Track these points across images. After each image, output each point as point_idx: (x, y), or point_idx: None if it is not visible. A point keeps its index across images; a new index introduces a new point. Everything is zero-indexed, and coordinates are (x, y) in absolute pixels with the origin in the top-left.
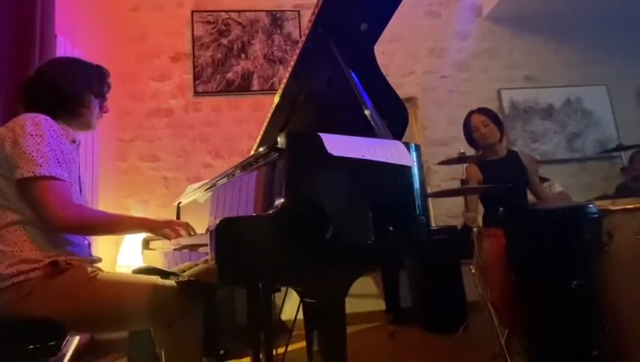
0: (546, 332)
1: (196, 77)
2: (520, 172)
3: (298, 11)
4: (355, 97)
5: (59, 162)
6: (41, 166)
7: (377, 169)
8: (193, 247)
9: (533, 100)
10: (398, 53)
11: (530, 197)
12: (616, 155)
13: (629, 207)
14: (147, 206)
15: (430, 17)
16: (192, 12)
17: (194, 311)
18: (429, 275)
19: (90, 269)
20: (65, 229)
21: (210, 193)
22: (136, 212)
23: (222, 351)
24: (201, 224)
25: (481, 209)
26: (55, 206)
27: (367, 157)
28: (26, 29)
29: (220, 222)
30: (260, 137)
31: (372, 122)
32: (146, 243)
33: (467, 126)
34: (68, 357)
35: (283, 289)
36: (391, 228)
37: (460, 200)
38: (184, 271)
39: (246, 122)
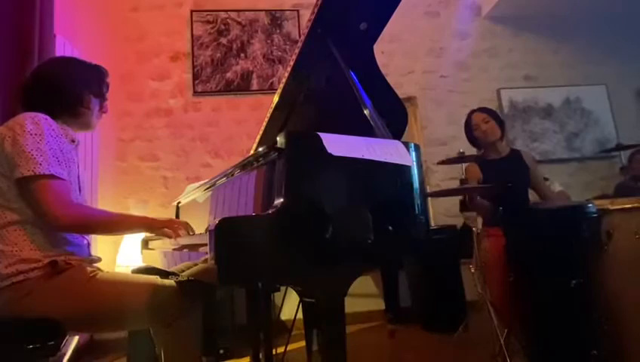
0: (545, 331)
1: (195, 77)
2: (522, 171)
3: (297, 11)
4: (354, 97)
5: (58, 161)
6: (40, 164)
7: (377, 168)
8: (193, 247)
9: (533, 100)
10: (398, 52)
11: (532, 197)
12: (615, 155)
13: (627, 206)
14: (147, 205)
15: (429, 17)
16: (192, 11)
17: (193, 311)
18: (429, 275)
19: (89, 269)
20: (64, 228)
21: (210, 193)
22: (136, 211)
23: (221, 351)
24: (201, 224)
25: None
26: (54, 205)
27: (367, 156)
28: (26, 29)
29: (220, 221)
30: (259, 137)
31: (371, 122)
32: (145, 243)
33: (468, 124)
34: (67, 356)
35: (282, 288)
36: (390, 228)
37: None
38: (183, 270)
39: (245, 122)
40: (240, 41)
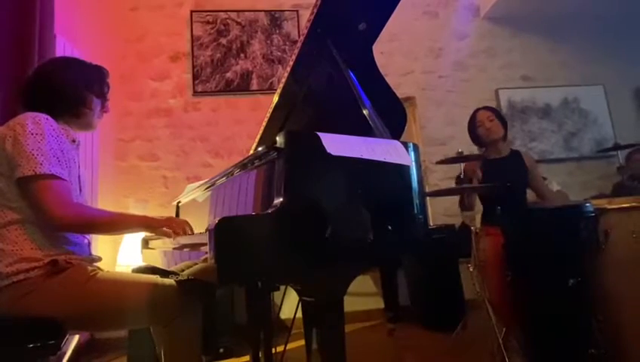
0: (543, 329)
1: (195, 77)
2: (522, 172)
3: (297, 11)
4: (353, 97)
5: (59, 161)
6: (41, 164)
7: (376, 168)
8: (192, 246)
9: (531, 100)
10: (397, 52)
11: (531, 196)
12: (612, 154)
13: (625, 205)
14: (146, 205)
15: (428, 17)
16: (191, 12)
17: (193, 310)
18: (427, 274)
19: (89, 268)
20: (64, 228)
21: (210, 192)
22: (136, 211)
23: (221, 350)
24: (201, 223)
25: (479, 207)
26: (55, 204)
27: (366, 156)
28: (26, 29)
29: (219, 221)
30: (259, 137)
31: (370, 122)
32: (145, 243)
33: (472, 122)
34: (67, 355)
35: (282, 287)
36: (389, 227)
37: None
38: (183, 270)
39: (245, 122)
40: (240, 41)
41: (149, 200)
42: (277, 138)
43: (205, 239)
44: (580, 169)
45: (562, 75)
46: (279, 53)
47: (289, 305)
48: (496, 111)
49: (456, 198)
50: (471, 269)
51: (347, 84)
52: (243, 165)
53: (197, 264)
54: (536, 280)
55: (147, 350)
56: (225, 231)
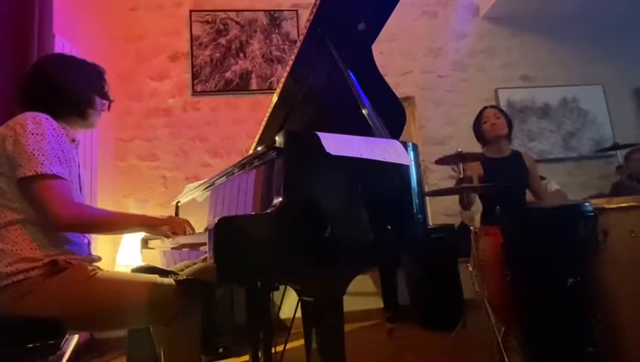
0: (542, 329)
1: (195, 76)
2: (522, 172)
3: (296, 11)
4: (353, 97)
5: (60, 161)
6: (42, 164)
7: (375, 168)
8: (192, 246)
9: (530, 100)
10: (396, 52)
11: (529, 197)
12: (611, 154)
13: (624, 205)
14: (146, 205)
15: (428, 17)
16: (191, 11)
17: (193, 310)
18: (427, 273)
19: (89, 268)
20: (66, 227)
21: (209, 192)
22: (135, 211)
23: (221, 349)
24: (200, 223)
25: (479, 207)
26: (56, 204)
27: (365, 156)
28: (25, 29)
29: (219, 221)
30: (258, 136)
31: (370, 121)
32: (145, 242)
33: (478, 118)
34: (67, 355)
35: (281, 287)
36: (389, 227)
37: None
38: (183, 269)
39: (244, 121)
40: (239, 41)
41: (148, 200)
42: (276, 138)
43: (204, 239)
44: (579, 168)
45: (561, 74)
46: (278, 53)
47: (288, 304)
48: (503, 111)
49: (455, 198)
50: (470, 269)
51: (346, 83)
52: (242, 165)
53: (196, 264)
54: (535, 280)
55: (147, 350)
56: (224, 231)
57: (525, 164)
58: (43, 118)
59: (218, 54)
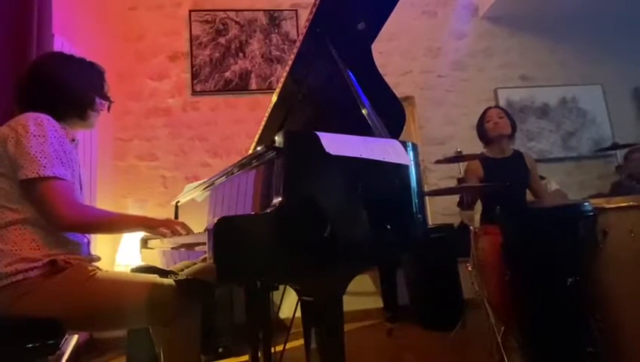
0: (542, 328)
1: (194, 76)
2: (523, 173)
3: (296, 10)
4: (352, 96)
5: (62, 162)
6: (44, 167)
7: (375, 168)
8: (191, 246)
9: (529, 99)
10: (396, 52)
11: (529, 197)
12: (611, 154)
13: (623, 205)
14: (145, 205)
15: (427, 17)
16: (190, 11)
17: (192, 310)
18: (426, 273)
19: (89, 268)
20: (69, 228)
21: (209, 192)
22: (135, 211)
23: (220, 349)
24: (199, 223)
25: (478, 206)
26: (59, 205)
27: (365, 156)
28: (24, 28)
29: (218, 220)
30: (257, 136)
31: (369, 121)
32: (144, 242)
33: (482, 118)
34: (66, 355)
35: (281, 287)
36: (388, 227)
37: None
38: (182, 269)
39: (244, 121)
40: (238, 40)
41: (147, 200)
42: (276, 137)
43: (204, 239)
44: (579, 168)
45: (561, 74)
46: (278, 53)
47: (288, 304)
48: (506, 112)
49: (455, 198)
50: (470, 268)
51: (346, 83)
52: (242, 165)
53: (196, 264)
54: (534, 280)
55: (146, 350)
56: (224, 231)
57: (526, 164)
58: (45, 119)
59: (217, 54)
